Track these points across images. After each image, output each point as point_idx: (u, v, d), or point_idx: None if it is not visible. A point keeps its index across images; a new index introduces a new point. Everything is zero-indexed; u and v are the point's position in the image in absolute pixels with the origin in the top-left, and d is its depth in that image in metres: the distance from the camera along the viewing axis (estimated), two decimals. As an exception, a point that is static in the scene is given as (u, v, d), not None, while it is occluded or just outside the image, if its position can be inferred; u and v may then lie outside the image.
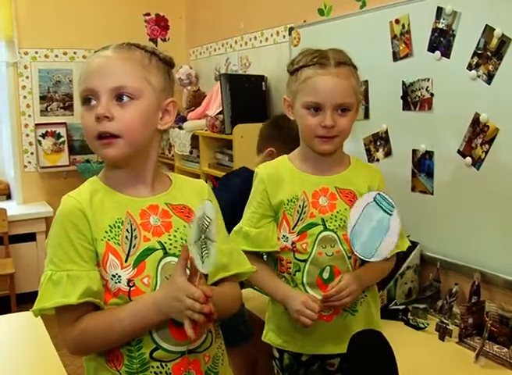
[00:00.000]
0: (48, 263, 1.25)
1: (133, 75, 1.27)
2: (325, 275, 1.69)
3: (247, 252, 1.68)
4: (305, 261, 1.70)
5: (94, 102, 1.24)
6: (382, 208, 1.67)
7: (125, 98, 1.24)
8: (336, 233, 1.70)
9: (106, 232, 1.24)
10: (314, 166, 1.74)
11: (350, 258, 1.71)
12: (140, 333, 1.24)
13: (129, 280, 1.24)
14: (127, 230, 1.26)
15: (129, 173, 1.31)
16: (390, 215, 1.67)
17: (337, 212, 1.70)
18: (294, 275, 1.72)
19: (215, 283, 1.36)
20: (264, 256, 1.82)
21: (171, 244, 1.29)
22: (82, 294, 1.19)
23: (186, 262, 1.21)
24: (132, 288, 1.24)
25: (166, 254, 1.28)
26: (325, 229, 1.69)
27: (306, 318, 1.60)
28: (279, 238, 1.73)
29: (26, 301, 4.34)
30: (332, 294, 1.61)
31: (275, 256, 1.76)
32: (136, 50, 1.30)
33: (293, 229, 1.71)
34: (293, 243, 1.71)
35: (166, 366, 1.25)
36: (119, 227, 1.26)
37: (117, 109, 1.23)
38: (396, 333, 1.77)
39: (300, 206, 1.70)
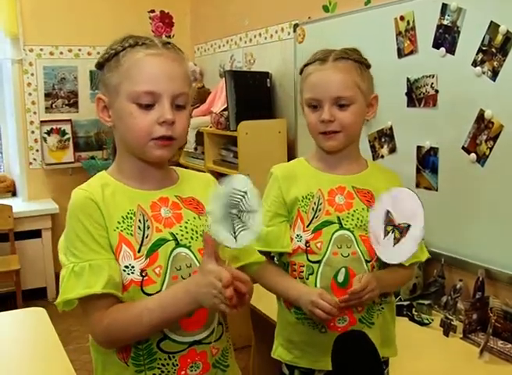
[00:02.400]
0: (68, 257, 1.24)
1: (189, 79, 1.33)
2: (340, 278, 1.62)
3: None
4: (319, 262, 1.63)
5: (153, 105, 1.25)
6: None
7: (181, 105, 1.29)
8: (352, 232, 1.63)
9: (119, 222, 1.26)
10: (329, 164, 1.69)
11: (367, 261, 1.63)
12: (169, 324, 1.24)
13: (142, 270, 1.25)
14: (139, 220, 1.27)
15: (143, 168, 1.32)
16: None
17: (354, 211, 1.63)
18: (307, 279, 1.64)
19: None
20: (276, 260, 1.75)
21: (182, 236, 1.30)
22: (106, 284, 1.20)
23: (213, 250, 1.21)
24: (144, 278, 1.25)
25: (178, 245, 1.29)
26: (341, 228, 1.63)
27: (320, 310, 1.53)
28: (292, 239, 1.66)
29: (31, 297, 4.39)
30: (357, 290, 1.52)
31: (287, 261, 1.70)
32: (179, 52, 1.32)
33: (307, 227, 1.65)
34: (306, 242, 1.64)
35: (174, 357, 1.26)
36: (131, 218, 1.27)
37: (175, 114, 1.27)
38: (400, 329, 1.76)
39: (315, 203, 1.64)
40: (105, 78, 1.30)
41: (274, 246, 1.67)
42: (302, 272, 1.66)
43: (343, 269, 1.62)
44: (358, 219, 1.63)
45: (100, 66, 1.31)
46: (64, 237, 1.28)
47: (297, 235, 1.66)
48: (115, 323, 1.22)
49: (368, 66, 1.68)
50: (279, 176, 1.70)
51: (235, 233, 1.22)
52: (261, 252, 1.58)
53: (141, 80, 1.25)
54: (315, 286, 1.63)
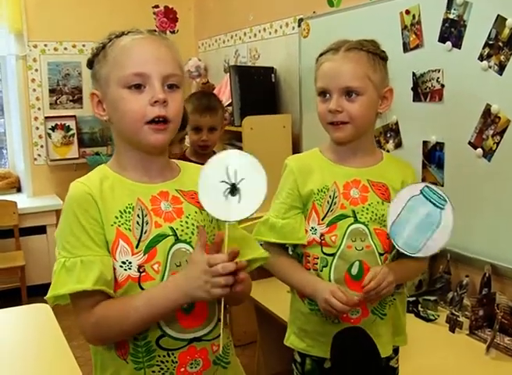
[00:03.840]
0: (60, 251, 1.24)
1: (179, 63, 1.31)
2: (354, 271, 1.61)
3: (272, 244, 1.66)
4: (333, 255, 1.62)
5: (144, 87, 1.24)
6: (430, 201, 1.55)
7: (173, 84, 1.27)
8: (367, 226, 1.62)
9: (116, 217, 1.24)
10: (343, 156, 1.68)
11: (381, 255, 1.63)
12: (160, 319, 1.23)
13: (139, 266, 1.23)
14: (138, 215, 1.25)
15: (143, 159, 1.31)
16: (442, 209, 1.55)
17: (369, 205, 1.63)
18: (321, 271, 1.64)
19: None
20: (290, 250, 1.75)
21: (182, 231, 1.28)
22: (97, 281, 1.19)
23: (205, 243, 1.21)
24: (142, 274, 1.23)
25: (177, 240, 1.27)
26: (356, 221, 1.62)
27: (332, 308, 1.53)
28: (307, 231, 1.66)
29: (36, 293, 4.38)
30: (372, 288, 1.51)
31: (302, 252, 1.69)
32: (167, 39, 1.32)
33: (322, 220, 1.64)
34: (321, 235, 1.64)
35: (173, 354, 1.24)
36: (129, 213, 1.25)
37: (167, 95, 1.25)
38: (406, 325, 1.75)
39: (330, 197, 1.64)
40: (96, 72, 1.30)
41: (289, 238, 1.67)
42: (316, 264, 1.66)
43: (357, 263, 1.62)
44: (373, 212, 1.63)
45: (90, 63, 1.31)
46: (58, 229, 1.26)
47: (312, 228, 1.66)
48: (104, 320, 1.22)
49: (384, 59, 1.66)
50: (295, 169, 1.69)
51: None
52: (276, 244, 1.61)
53: (129, 64, 1.24)
54: (329, 278, 1.63)
